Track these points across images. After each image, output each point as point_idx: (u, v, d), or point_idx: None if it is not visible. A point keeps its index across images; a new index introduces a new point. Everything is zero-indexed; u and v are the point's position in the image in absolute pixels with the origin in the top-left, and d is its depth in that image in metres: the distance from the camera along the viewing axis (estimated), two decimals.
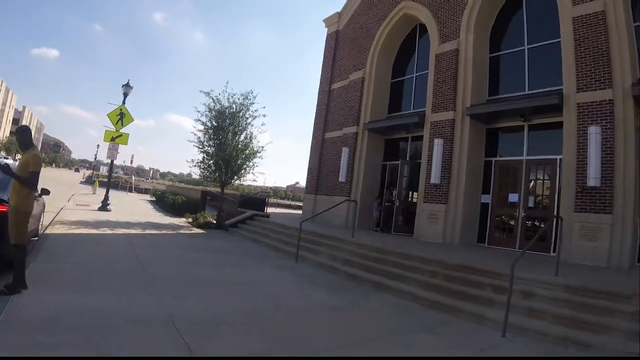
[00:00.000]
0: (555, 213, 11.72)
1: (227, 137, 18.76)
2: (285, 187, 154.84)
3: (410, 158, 17.13)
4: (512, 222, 13.27)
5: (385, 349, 5.46)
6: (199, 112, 18.91)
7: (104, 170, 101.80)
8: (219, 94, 19.12)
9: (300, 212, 26.64)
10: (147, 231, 15.05)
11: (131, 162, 78.92)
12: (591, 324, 6.22)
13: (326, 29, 23.23)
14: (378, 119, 18.32)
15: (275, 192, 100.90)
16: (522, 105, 12.73)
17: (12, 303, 5.34)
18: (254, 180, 20.72)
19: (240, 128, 19.22)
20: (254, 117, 19.54)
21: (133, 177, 70.24)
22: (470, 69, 14.32)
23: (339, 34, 21.97)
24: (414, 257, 9.87)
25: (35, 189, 6.48)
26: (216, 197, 22.33)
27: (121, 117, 20.27)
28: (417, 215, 14.94)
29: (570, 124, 11.24)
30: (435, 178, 14.22)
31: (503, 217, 13.68)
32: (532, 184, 13.11)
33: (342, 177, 18.53)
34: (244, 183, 22.46)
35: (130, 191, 48.14)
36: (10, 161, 9.65)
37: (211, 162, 19.03)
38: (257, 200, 23.50)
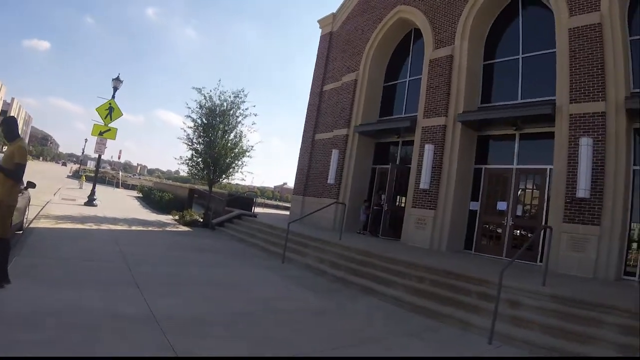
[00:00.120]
0: (543, 223, 11.73)
1: (216, 135, 18.65)
2: (273, 187, 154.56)
3: (400, 162, 17.09)
4: (499, 230, 13.27)
5: (372, 354, 5.41)
6: (189, 108, 18.82)
7: (91, 164, 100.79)
8: (210, 90, 19.05)
9: (287, 213, 26.54)
10: (133, 227, 14.89)
11: (119, 158, 77.99)
12: (579, 334, 6.20)
13: (320, 29, 23.12)
14: (369, 122, 18.24)
15: (263, 192, 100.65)
16: (514, 114, 12.74)
17: None
18: (243, 180, 20.71)
19: (230, 126, 19.13)
20: (245, 116, 19.50)
21: (120, 173, 69.80)
22: (463, 76, 14.31)
23: (333, 35, 21.90)
24: (401, 262, 9.80)
25: (21, 182, 6.33)
26: (204, 195, 22.17)
27: (110, 111, 19.99)
28: (405, 220, 14.89)
29: (561, 134, 11.26)
30: (424, 183, 14.17)
31: (491, 224, 13.66)
32: (521, 193, 13.10)
33: (331, 179, 18.42)
34: (232, 182, 22.39)
35: (117, 187, 47.64)
36: None
37: (200, 159, 18.91)
38: (244, 199, 23.39)
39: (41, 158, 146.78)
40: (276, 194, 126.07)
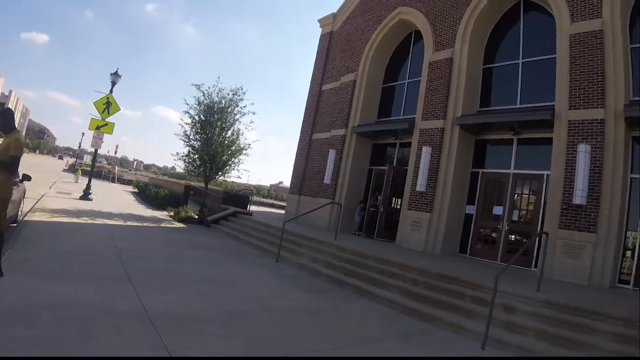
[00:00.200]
0: (539, 228, 11.75)
1: (214, 132, 18.58)
2: (268, 185, 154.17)
3: (397, 164, 17.06)
4: (494, 235, 13.26)
5: (365, 355, 5.41)
6: (187, 104, 18.76)
7: (87, 158, 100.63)
8: (209, 87, 18.98)
9: (283, 211, 26.53)
10: (128, 223, 14.82)
11: (115, 152, 77.65)
12: (573, 341, 6.20)
13: (320, 29, 23.05)
14: (367, 123, 18.20)
15: (259, 190, 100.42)
16: (513, 119, 12.73)
17: None
18: (239, 177, 20.63)
19: (227, 124, 19.06)
20: (243, 114, 19.43)
21: (116, 168, 69.38)
22: (463, 79, 14.29)
23: (333, 35, 21.84)
24: (396, 264, 9.77)
25: (16, 174, 6.28)
26: (199, 192, 22.14)
27: (108, 106, 19.92)
28: (401, 222, 14.86)
29: (560, 140, 11.25)
30: (421, 186, 14.14)
31: (486, 229, 13.66)
32: (517, 198, 13.10)
33: (327, 179, 18.38)
34: (228, 179, 22.30)
35: (113, 181, 47.45)
36: None
37: (196, 156, 18.82)
38: (240, 197, 23.33)
39: (38, 151, 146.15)
40: (272, 193, 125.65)
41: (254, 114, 19.68)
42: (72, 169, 52.82)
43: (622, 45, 10.63)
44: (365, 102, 18.49)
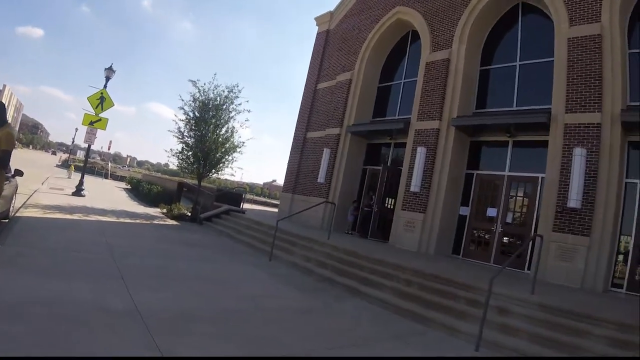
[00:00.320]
0: (532, 231, 11.77)
1: (208, 129, 18.46)
2: (262, 184, 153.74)
3: (392, 164, 17.01)
4: (488, 237, 13.25)
5: (359, 355, 5.38)
6: (182, 100, 18.60)
7: (81, 154, 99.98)
8: (204, 84, 18.85)
9: (276, 210, 26.44)
10: (121, 219, 14.70)
11: (109, 148, 77.54)
12: (567, 344, 6.17)
13: (317, 27, 22.97)
14: (362, 123, 18.14)
15: (252, 188, 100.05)
16: (509, 121, 12.74)
17: None
18: (232, 175, 20.51)
19: (222, 121, 18.94)
20: (238, 112, 19.32)
21: (110, 164, 69.24)
22: (459, 80, 14.27)
23: (330, 33, 21.76)
24: (389, 264, 9.72)
25: (6, 168, 6.18)
26: (192, 189, 22.00)
27: (101, 101, 19.74)
28: (394, 222, 14.82)
29: (555, 143, 11.24)
30: (415, 186, 14.11)
31: (480, 230, 13.65)
32: (511, 200, 13.08)
33: (321, 178, 18.31)
34: (222, 177, 22.22)
35: (106, 178, 47.29)
36: None
37: (190, 153, 18.68)
38: (233, 195, 23.29)
39: (31, 146, 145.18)
40: (265, 191, 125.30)
41: (249, 112, 19.62)
42: (65, 164, 52.52)
43: (620, 50, 10.64)
44: (360, 102, 18.43)
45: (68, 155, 79.58)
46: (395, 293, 8.46)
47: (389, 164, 17.07)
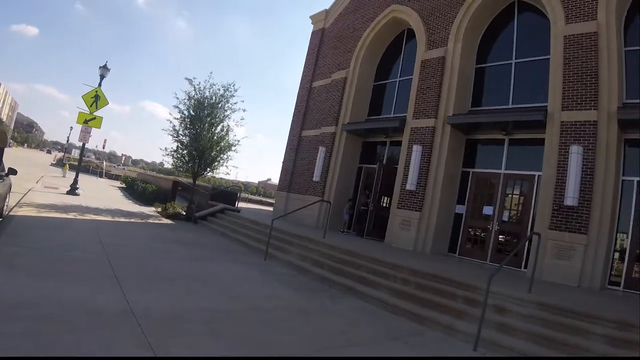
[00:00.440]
0: (529, 229, 11.76)
1: (203, 128, 18.35)
2: (257, 182, 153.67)
3: (387, 162, 16.95)
4: (484, 235, 13.22)
5: (356, 355, 5.33)
6: (178, 98, 18.48)
7: (76, 153, 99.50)
8: (199, 83, 18.72)
9: (271, 208, 26.40)
10: (115, 218, 14.60)
11: (103, 147, 77.46)
12: (566, 343, 6.14)
13: (312, 25, 22.87)
14: (357, 121, 18.09)
15: (247, 187, 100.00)
16: (505, 119, 12.70)
17: None
18: (227, 174, 20.44)
19: (217, 120, 18.84)
20: (233, 111, 19.20)
21: (104, 163, 68.99)
22: (455, 78, 14.22)
23: (325, 31, 21.67)
24: (386, 263, 9.66)
25: (0, 166, 6.10)
26: (187, 188, 21.90)
27: (96, 99, 19.64)
28: (390, 221, 14.76)
29: (552, 141, 11.22)
30: (411, 184, 14.06)
31: (476, 229, 13.61)
32: (508, 198, 13.05)
33: (316, 177, 18.25)
34: (217, 176, 22.15)
35: (101, 176, 47.09)
36: None
37: (185, 152, 18.56)
38: (228, 194, 23.20)
39: (26, 145, 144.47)
40: (260, 190, 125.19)
41: (244, 110, 19.51)
42: (60, 163, 52.27)
43: (616, 47, 10.63)
44: (355, 100, 18.38)
45: (63, 154, 79.12)
46: (392, 292, 8.41)
47: (384, 163, 17.00)
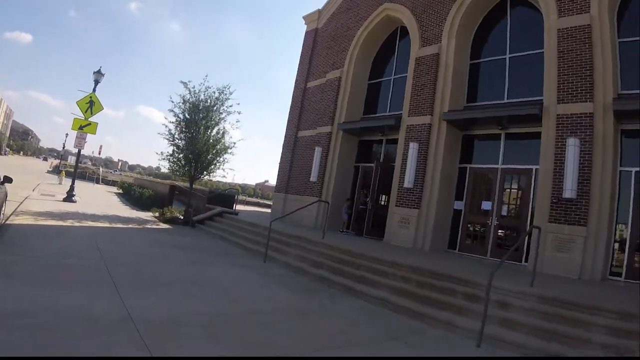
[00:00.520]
0: (528, 223, 11.74)
1: (199, 131, 18.28)
2: (254, 184, 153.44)
3: (384, 161, 16.90)
4: (484, 230, 13.18)
5: (357, 356, 5.28)
6: (172, 102, 18.41)
7: (72, 159, 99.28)
8: (194, 86, 18.65)
9: (269, 210, 26.34)
10: (112, 225, 14.51)
11: (99, 153, 77.12)
12: (569, 336, 6.09)
13: (305, 26, 22.83)
14: (353, 120, 18.06)
15: (244, 189, 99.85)
16: (501, 114, 12.69)
17: None
18: (224, 177, 20.43)
19: (212, 122, 18.77)
20: (229, 113, 19.15)
21: (101, 169, 68.80)
22: (450, 74, 14.20)
23: (318, 31, 21.64)
24: (385, 262, 9.62)
25: None
26: (184, 192, 21.86)
27: (91, 105, 19.60)
28: (389, 219, 14.71)
29: (548, 134, 11.20)
30: (408, 182, 14.02)
31: (475, 224, 13.57)
32: (506, 192, 13.02)
33: (313, 177, 18.20)
34: (214, 179, 22.03)
35: (98, 183, 47.03)
36: None
37: (181, 155, 18.48)
38: (226, 196, 23.09)
39: (22, 152, 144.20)
40: (258, 192, 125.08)
41: (239, 113, 19.42)
42: (56, 170, 52.21)
43: (610, 39, 10.62)
44: (351, 99, 18.34)
45: (59, 161, 79.00)
46: (393, 291, 8.35)
47: (381, 161, 16.94)
